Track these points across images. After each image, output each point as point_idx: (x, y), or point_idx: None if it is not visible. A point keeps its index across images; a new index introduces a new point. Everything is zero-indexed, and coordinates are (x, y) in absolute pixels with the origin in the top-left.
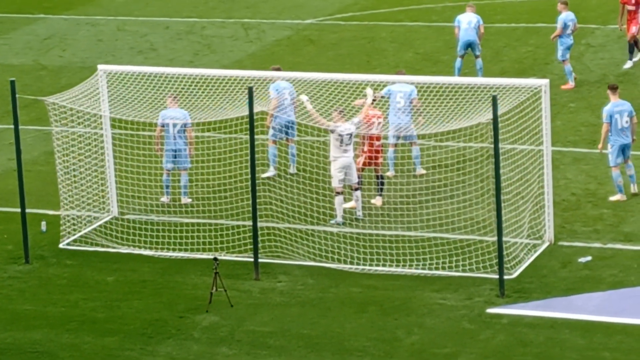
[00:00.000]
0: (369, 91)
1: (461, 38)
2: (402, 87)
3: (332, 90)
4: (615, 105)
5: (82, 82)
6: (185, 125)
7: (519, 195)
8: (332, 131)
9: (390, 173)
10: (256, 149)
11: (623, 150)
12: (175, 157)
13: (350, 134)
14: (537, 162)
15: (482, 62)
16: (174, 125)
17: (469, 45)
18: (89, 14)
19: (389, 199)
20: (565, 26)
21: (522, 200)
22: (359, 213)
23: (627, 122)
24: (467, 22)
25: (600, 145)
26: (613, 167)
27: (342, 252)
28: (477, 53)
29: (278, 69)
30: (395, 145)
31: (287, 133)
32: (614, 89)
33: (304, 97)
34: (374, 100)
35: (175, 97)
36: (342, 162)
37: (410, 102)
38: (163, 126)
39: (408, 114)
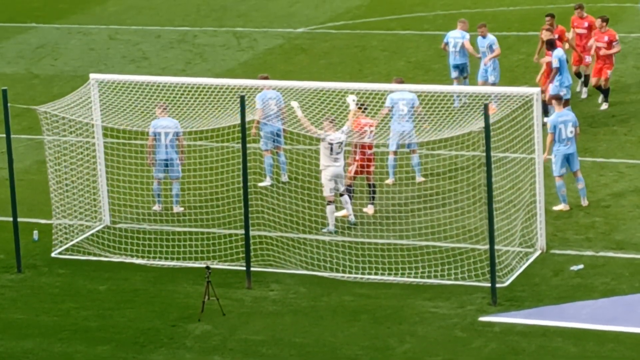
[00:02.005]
0: (349, 99)
1: (450, 62)
2: (403, 94)
3: (324, 98)
4: (560, 116)
5: (74, 91)
6: (176, 134)
7: (511, 204)
8: (323, 139)
9: (390, 180)
10: (248, 158)
11: (567, 160)
12: (167, 167)
13: (340, 143)
14: (529, 171)
15: (469, 82)
16: (166, 134)
17: (457, 67)
18: (80, 23)
19: (381, 208)
20: (491, 49)
21: (514, 208)
22: (352, 218)
23: (571, 132)
24: (453, 45)
25: (545, 154)
26: (557, 177)
27: (334, 261)
28: (465, 75)
29: (266, 78)
30: (396, 152)
31: (276, 141)
32: (559, 99)
33: (294, 104)
34: (361, 106)
35: (165, 109)
36: (332, 171)
37: (413, 110)
38: (155, 136)
39: (409, 120)
